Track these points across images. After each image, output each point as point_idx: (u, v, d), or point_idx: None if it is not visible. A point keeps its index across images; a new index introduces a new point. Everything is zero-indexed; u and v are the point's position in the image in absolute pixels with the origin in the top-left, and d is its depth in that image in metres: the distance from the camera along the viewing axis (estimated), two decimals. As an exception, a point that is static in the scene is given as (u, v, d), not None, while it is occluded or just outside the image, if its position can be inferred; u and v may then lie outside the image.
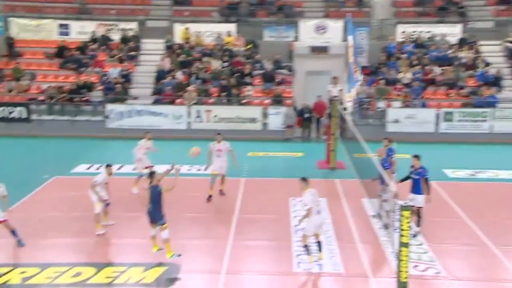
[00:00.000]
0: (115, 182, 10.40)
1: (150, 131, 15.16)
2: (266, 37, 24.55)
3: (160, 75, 22.75)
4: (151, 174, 10.09)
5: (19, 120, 21.43)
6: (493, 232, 11.41)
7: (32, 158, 17.85)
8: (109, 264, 9.86)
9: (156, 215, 9.87)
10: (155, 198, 9.82)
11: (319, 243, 10.09)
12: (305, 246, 10.01)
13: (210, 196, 13.21)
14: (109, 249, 10.06)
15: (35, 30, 25.00)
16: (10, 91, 22.25)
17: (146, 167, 13.45)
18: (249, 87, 22.62)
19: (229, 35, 24.67)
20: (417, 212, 10.94)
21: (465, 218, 12.37)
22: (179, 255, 9.92)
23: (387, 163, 11.85)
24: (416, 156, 11.29)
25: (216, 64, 23.29)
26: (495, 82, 21.85)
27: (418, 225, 11.08)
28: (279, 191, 14.19)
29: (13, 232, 10.40)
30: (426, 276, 9.67)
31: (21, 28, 24.93)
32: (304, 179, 9.96)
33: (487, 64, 22.71)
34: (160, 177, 10.05)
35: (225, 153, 13.54)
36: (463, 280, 9.59)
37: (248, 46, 24.44)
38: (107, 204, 11.46)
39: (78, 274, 9.55)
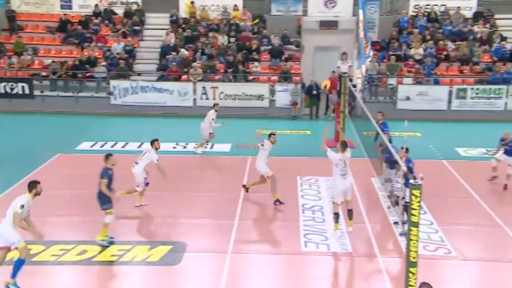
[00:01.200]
0: (120, 160, 10.45)
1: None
2: (273, 11, 24.25)
3: (165, 50, 22.63)
4: (107, 156, 10.01)
5: (22, 96, 21.43)
6: (505, 212, 11.42)
7: (35, 135, 17.95)
8: (114, 242, 9.96)
9: (100, 200, 9.84)
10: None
11: (350, 211, 10.23)
12: (335, 213, 10.19)
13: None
14: (114, 227, 10.17)
15: (37, 3, 24.86)
16: (12, 66, 22.24)
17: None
18: (256, 63, 22.48)
19: (235, 9, 24.43)
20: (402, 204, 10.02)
21: (477, 197, 12.36)
22: (112, 239, 9.92)
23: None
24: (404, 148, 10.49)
25: (222, 40, 23.11)
26: (511, 57, 21.56)
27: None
28: (286, 169, 14.17)
29: None
30: (436, 256, 9.72)
31: (22, 0, 24.81)
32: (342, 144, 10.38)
33: (503, 39, 22.38)
34: (114, 161, 9.99)
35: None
36: (473, 260, 9.64)
37: (255, 21, 24.20)
38: (147, 184, 11.63)
39: (83, 252, 9.68)
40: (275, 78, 21.96)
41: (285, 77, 21.74)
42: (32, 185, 8.51)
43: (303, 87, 21.46)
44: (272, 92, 21.35)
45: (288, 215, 11.55)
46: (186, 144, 16.58)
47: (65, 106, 20.98)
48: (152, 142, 11.68)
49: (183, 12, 24.54)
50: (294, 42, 23.59)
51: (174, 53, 22.23)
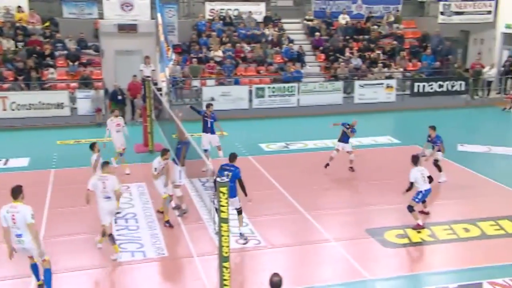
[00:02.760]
0: None
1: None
2: (65, 14, 22.99)
3: None
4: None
5: None
6: (304, 199, 12.59)
7: None
8: None
9: None
10: None
11: (111, 236, 9.87)
12: (110, 235, 9.85)
13: None
14: None
15: None
16: None
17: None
18: (51, 70, 21.08)
19: (20, 11, 22.53)
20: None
21: (280, 188, 13.40)
22: None
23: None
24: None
25: (8, 44, 21.13)
26: (299, 58, 23.83)
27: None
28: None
29: None
30: (248, 248, 10.29)
31: None
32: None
33: (291, 41, 24.63)
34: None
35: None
36: (281, 247, 10.42)
37: (46, 24, 22.68)
38: None
39: None
40: (74, 84, 20.86)
41: (86, 83, 20.81)
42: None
43: (106, 92, 20.79)
44: (73, 99, 20.25)
45: (99, 227, 11.09)
46: None
47: None
48: None
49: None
50: (92, 46, 22.71)
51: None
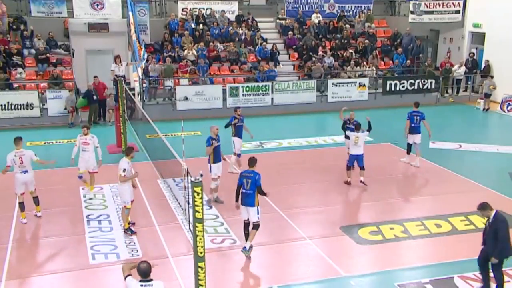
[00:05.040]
0: None
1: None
2: (34, 12, 22.58)
3: None
4: None
5: None
6: (279, 198, 12.63)
7: None
8: None
9: None
10: None
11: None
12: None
13: None
14: None
15: None
16: None
17: None
18: (20, 69, 20.69)
19: (-14, 8, 22.09)
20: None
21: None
22: None
23: None
24: None
25: (-27, 43, 20.71)
26: (272, 57, 23.91)
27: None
28: (67, 181, 13.50)
29: None
30: (223, 247, 10.30)
31: None
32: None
33: (264, 40, 24.70)
34: None
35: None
36: (256, 246, 10.43)
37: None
38: None
39: None
40: (44, 84, 20.52)
41: (57, 83, 20.48)
42: None
43: (78, 93, 20.51)
44: (43, 99, 19.92)
45: (72, 230, 10.98)
46: None
47: None
48: None
49: None
50: (62, 45, 22.38)
51: None
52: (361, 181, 13.50)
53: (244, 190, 9.70)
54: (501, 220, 8.28)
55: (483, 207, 8.38)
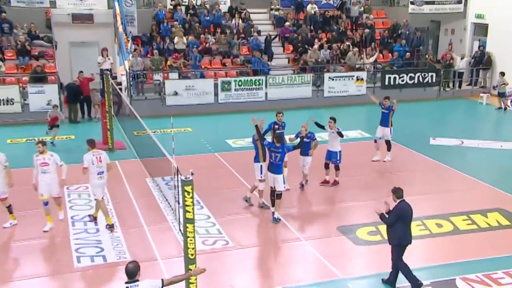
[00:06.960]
0: None
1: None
2: (14, 2, 22.45)
3: None
4: None
5: None
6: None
7: None
8: None
9: None
10: None
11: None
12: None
13: None
14: None
15: None
16: None
17: None
18: None
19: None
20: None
21: (249, 186, 13.30)
22: None
23: None
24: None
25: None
26: (266, 50, 23.87)
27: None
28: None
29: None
30: (216, 249, 10.30)
31: None
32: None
33: (258, 32, 24.65)
34: None
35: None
36: (250, 247, 10.46)
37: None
38: None
39: None
40: (26, 78, 20.39)
41: (38, 77, 20.36)
42: None
43: (61, 87, 20.39)
44: (24, 95, 19.79)
45: (56, 231, 10.93)
46: None
47: None
48: None
49: None
50: (44, 37, 22.25)
51: None
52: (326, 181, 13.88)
53: (272, 160, 11.29)
54: (399, 207, 8.61)
55: (394, 191, 8.71)
